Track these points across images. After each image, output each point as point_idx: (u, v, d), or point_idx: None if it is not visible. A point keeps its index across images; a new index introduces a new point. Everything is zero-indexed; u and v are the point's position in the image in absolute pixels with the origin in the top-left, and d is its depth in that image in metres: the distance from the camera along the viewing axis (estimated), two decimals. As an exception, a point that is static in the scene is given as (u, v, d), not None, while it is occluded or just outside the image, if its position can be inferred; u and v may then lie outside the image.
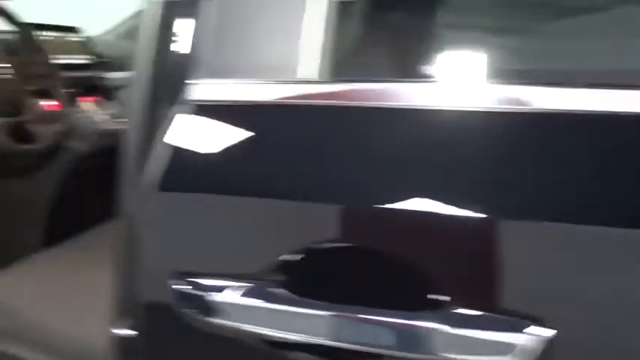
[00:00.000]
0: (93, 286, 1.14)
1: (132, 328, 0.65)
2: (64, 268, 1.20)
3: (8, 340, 1.07)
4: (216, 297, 0.55)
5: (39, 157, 1.47)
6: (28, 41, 1.37)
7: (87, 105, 1.67)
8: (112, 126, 1.70)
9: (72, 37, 1.70)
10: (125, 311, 0.65)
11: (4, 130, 1.18)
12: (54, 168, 1.55)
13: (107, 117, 1.71)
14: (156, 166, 0.58)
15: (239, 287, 0.54)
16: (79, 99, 1.61)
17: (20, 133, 1.25)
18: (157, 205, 0.58)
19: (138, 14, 2.43)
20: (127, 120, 1.69)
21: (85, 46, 1.74)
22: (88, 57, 1.73)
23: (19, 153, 1.30)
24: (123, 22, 2.42)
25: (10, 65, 1.28)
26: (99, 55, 1.80)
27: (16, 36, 1.46)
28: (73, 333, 1.04)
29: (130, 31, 2.40)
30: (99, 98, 1.74)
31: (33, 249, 1.67)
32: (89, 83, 1.70)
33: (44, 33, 1.55)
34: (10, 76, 1.26)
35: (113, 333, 0.69)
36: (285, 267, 0.53)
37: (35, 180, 1.55)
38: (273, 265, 0.53)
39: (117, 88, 1.84)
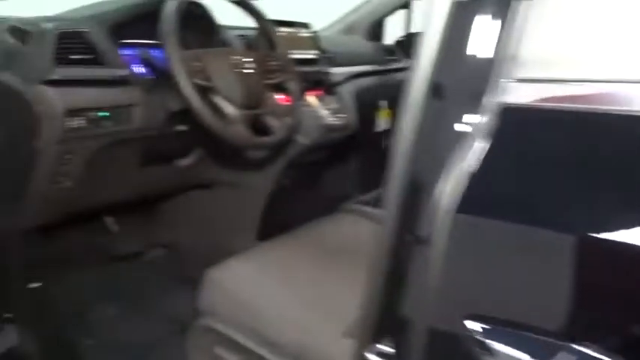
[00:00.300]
0: (315, 280, 1.13)
1: (391, 356, 0.58)
2: (285, 259, 1.21)
3: (230, 326, 1.10)
4: (514, 353, 0.44)
5: (271, 150, 1.53)
6: (269, 37, 1.41)
7: (311, 99, 1.69)
8: (333, 121, 1.71)
9: (303, 33, 1.73)
10: (385, 334, 0.58)
11: (245, 123, 1.22)
12: (280, 160, 1.60)
13: (328, 112, 1.72)
14: (452, 182, 0.49)
15: (548, 347, 0.43)
16: (305, 93, 1.64)
17: (257, 126, 1.29)
18: (452, 228, 0.49)
19: (355, 11, 2.44)
20: (347, 116, 1.68)
21: (313, 41, 1.76)
22: (316, 52, 1.76)
23: (256, 145, 1.34)
24: (342, 18, 2.45)
25: (252, 60, 1.32)
26: (323, 51, 1.82)
27: (258, 32, 1.52)
28: (295, 332, 1.03)
29: (349, 26, 2.42)
30: (321, 93, 1.76)
31: (255, 239, 1.76)
32: (314, 78, 1.72)
33: (281, 29, 1.60)
34: (252, 71, 1.30)
35: (363, 355, 0.63)
36: (614, 327, 0.40)
37: (265, 171, 1.62)
38: (596, 323, 0.41)
39: (338, 83, 1.84)
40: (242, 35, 1.55)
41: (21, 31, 1.13)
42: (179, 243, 1.84)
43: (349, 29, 2.42)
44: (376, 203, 1.58)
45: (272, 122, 1.31)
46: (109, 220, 1.61)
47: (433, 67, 0.55)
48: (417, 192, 0.52)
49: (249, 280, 1.11)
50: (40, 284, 1.33)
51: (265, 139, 1.28)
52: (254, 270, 1.14)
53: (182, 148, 1.49)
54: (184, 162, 1.53)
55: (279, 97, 1.46)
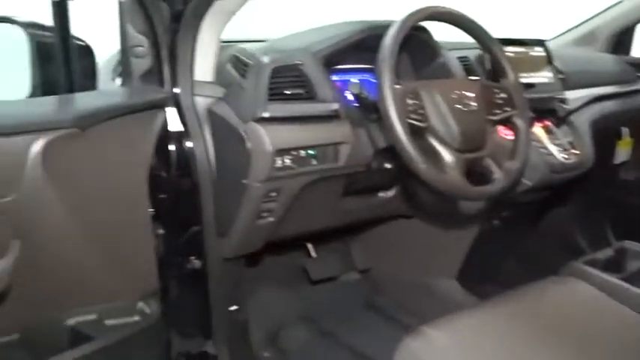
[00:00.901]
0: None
1: None
2: (494, 335, 1.01)
3: None
4: None
5: (488, 200, 1.33)
6: (498, 64, 1.19)
7: (538, 131, 1.45)
8: (563, 159, 1.44)
9: (535, 52, 1.48)
10: None
11: (462, 169, 1.04)
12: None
13: (558, 147, 1.45)
14: None
15: None
16: (532, 124, 1.40)
17: (475, 169, 1.10)
18: None
19: (597, 17, 2.05)
20: (581, 153, 1.38)
21: (547, 61, 1.50)
22: (548, 75, 1.49)
23: (473, 197, 1.16)
24: (578, 26, 2.10)
25: (475, 95, 1.12)
26: (557, 71, 1.54)
27: (481, 55, 1.33)
28: None
29: (586, 36, 2.06)
30: (550, 123, 1.50)
31: (454, 279, 1.60)
32: (544, 106, 1.46)
33: (509, 49, 1.37)
34: (474, 107, 1.11)
35: None
36: None
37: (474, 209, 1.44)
38: None
39: (572, 111, 1.55)
40: (463, 57, 1.37)
41: (241, 63, 1.13)
42: (375, 270, 1.77)
43: (585, 39, 2.06)
44: (612, 266, 1.28)
45: (493, 167, 1.11)
46: (308, 246, 1.59)
47: None
48: None
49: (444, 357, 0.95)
50: (238, 307, 1.35)
51: (484, 190, 1.09)
52: (456, 347, 0.97)
53: (386, 182, 1.38)
54: (387, 194, 1.43)
55: (501, 132, 1.26)
